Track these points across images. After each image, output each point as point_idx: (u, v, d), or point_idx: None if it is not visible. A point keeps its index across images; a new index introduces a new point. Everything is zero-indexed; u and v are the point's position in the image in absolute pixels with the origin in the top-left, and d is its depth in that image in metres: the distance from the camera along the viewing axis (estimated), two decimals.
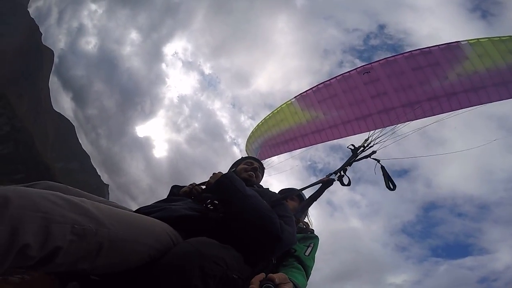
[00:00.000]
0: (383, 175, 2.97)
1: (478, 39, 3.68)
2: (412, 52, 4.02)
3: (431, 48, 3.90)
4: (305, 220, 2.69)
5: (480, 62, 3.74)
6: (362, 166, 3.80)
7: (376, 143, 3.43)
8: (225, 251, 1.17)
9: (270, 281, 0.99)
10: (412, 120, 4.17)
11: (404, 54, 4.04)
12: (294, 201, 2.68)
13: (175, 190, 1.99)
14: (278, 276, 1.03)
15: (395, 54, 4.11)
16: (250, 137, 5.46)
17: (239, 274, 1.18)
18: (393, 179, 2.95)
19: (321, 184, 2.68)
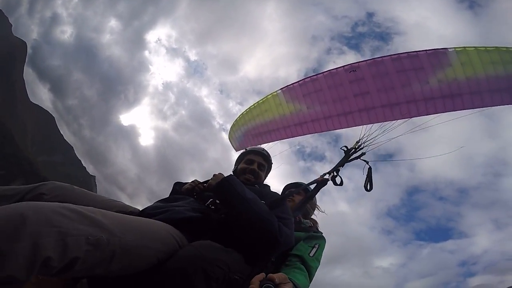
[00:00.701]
0: (367, 175, 3.06)
1: (465, 47, 3.84)
2: (400, 54, 4.15)
3: (418, 52, 4.04)
4: (312, 217, 2.70)
5: (462, 70, 3.88)
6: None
7: (366, 146, 3.54)
8: (227, 254, 1.23)
9: (270, 281, 1.00)
10: (390, 121, 4.26)
11: (392, 56, 4.17)
12: (300, 195, 2.69)
13: (177, 187, 2.00)
14: (278, 276, 1.04)
15: (383, 56, 4.24)
16: (234, 125, 5.45)
17: (240, 275, 1.24)
18: (372, 182, 3.06)
19: (316, 184, 2.70)
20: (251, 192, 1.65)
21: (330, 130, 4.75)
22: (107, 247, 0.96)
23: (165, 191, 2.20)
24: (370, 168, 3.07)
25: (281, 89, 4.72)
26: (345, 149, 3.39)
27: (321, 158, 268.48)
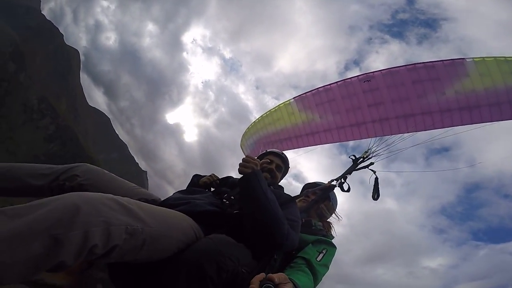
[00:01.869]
0: (374, 185, 3.05)
1: (484, 58, 3.68)
2: (416, 64, 4.08)
3: (434, 63, 3.95)
4: (328, 220, 2.62)
5: (480, 81, 3.70)
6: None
7: (374, 155, 3.52)
8: (238, 249, 1.32)
9: (270, 281, 1.01)
10: (404, 133, 4.17)
11: (408, 66, 4.12)
12: (309, 198, 2.71)
13: (195, 180, 2.09)
14: (278, 276, 1.04)
15: (398, 66, 4.19)
16: (245, 133, 5.54)
17: (247, 269, 1.30)
18: (379, 192, 3.05)
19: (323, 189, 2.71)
20: (271, 192, 1.66)
21: (342, 141, 4.75)
22: (141, 235, 1.04)
23: None
24: (376, 178, 3.08)
25: (294, 98, 4.82)
26: (353, 158, 3.41)
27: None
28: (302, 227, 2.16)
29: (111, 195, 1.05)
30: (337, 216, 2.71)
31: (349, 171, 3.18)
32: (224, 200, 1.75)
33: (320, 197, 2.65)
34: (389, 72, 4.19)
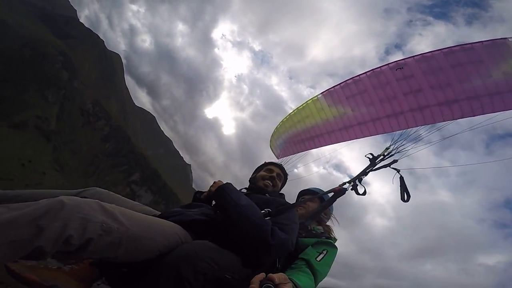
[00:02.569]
0: (400, 185, 2.85)
1: None
2: (452, 48, 3.74)
3: (473, 45, 3.58)
4: (327, 223, 2.65)
5: None
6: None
7: (398, 152, 3.30)
8: (219, 254, 1.39)
9: (270, 281, 1.03)
10: (450, 120, 3.89)
11: (443, 50, 3.78)
12: (314, 203, 2.70)
13: (198, 196, 2.18)
14: (278, 276, 1.06)
15: (432, 50, 3.87)
16: (274, 132, 5.47)
17: (233, 275, 1.37)
18: (408, 191, 2.81)
19: (332, 193, 2.58)
20: (248, 199, 1.79)
21: (379, 133, 4.52)
22: (116, 234, 1.18)
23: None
24: (402, 178, 2.85)
25: (322, 93, 4.69)
26: (370, 156, 3.19)
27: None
28: (302, 231, 2.27)
29: (97, 200, 1.23)
30: (334, 220, 2.71)
31: (364, 172, 2.97)
32: (218, 211, 1.84)
33: (329, 202, 2.58)
34: (423, 58, 3.88)
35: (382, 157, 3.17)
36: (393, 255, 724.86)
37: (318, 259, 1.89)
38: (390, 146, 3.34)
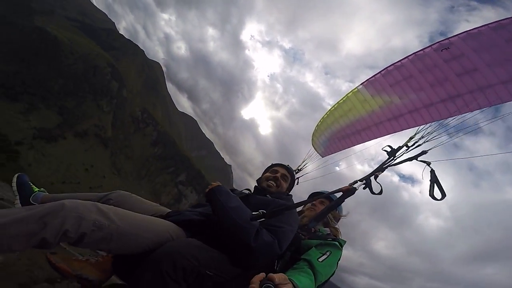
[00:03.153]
0: (430, 180, 2.44)
1: None
2: (501, 21, 3.21)
3: None
4: (335, 226, 2.57)
5: None
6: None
7: (427, 141, 2.87)
8: (202, 251, 1.50)
9: (270, 281, 1.04)
10: None
11: (490, 25, 3.27)
12: (323, 205, 2.61)
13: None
14: (278, 277, 1.08)
15: (477, 26, 3.37)
16: (315, 130, 5.21)
17: (216, 272, 1.50)
18: (442, 188, 2.37)
19: (341, 193, 2.34)
20: (238, 201, 1.84)
21: (436, 120, 4.03)
22: (107, 230, 1.39)
23: None
24: (433, 171, 2.44)
25: (362, 83, 4.37)
26: (389, 149, 2.82)
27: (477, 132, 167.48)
28: (305, 233, 2.27)
29: (94, 202, 1.46)
30: (341, 217, 2.63)
31: (381, 168, 2.59)
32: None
33: (337, 203, 2.32)
34: (469, 35, 3.43)
35: (405, 148, 2.81)
36: (448, 257, 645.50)
37: (320, 259, 1.87)
38: (415, 135, 2.96)
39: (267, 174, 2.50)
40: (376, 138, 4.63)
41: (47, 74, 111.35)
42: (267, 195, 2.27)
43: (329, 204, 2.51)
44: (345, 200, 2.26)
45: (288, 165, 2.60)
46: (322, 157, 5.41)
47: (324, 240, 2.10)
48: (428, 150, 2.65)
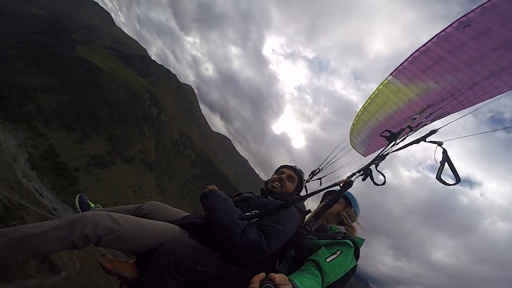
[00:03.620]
0: (441, 162, 2.23)
1: None
2: None
3: None
4: (353, 225, 2.46)
5: None
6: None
7: (437, 118, 2.64)
8: (193, 249, 1.77)
9: (270, 281, 1.07)
10: None
11: None
12: (339, 204, 2.54)
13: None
14: (278, 277, 1.10)
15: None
16: (352, 130, 4.98)
17: (207, 268, 1.75)
18: (456, 171, 2.18)
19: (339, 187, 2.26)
20: (228, 204, 2.03)
21: (485, 100, 3.78)
22: (117, 233, 1.74)
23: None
24: (445, 152, 2.23)
25: (390, 74, 4.22)
26: (388, 134, 2.64)
27: None
28: (316, 232, 2.22)
29: (109, 212, 1.83)
30: (358, 225, 2.49)
31: (382, 156, 2.44)
32: None
33: (334, 199, 2.27)
34: (485, 9, 3.24)
35: (408, 130, 2.62)
36: None
37: (328, 260, 1.81)
38: (416, 116, 2.74)
39: (274, 176, 2.61)
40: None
41: (94, 103, 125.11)
42: (268, 197, 2.37)
43: (346, 203, 2.55)
44: (346, 192, 2.29)
45: (295, 166, 2.67)
46: (364, 156, 5.18)
47: (332, 239, 2.03)
48: (437, 129, 2.46)
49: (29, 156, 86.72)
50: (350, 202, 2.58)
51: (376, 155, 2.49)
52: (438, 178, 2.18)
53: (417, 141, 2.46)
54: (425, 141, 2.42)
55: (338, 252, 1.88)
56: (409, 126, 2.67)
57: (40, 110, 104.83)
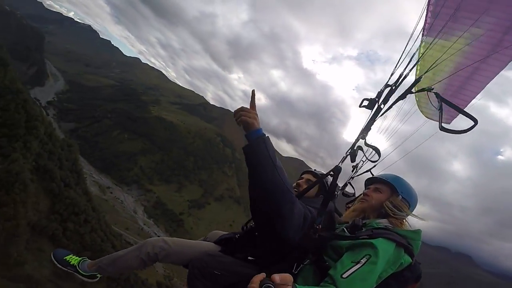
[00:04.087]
0: (439, 109, 1.96)
1: None
2: None
3: None
4: (399, 216, 1.98)
5: None
6: None
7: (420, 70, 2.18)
8: (209, 257, 2.13)
9: (271, 282, 1.00)
10: None
11: None
12: (381, 193, 2.12)
13: None
14: (280, 277, 1.02)
15: None
16: (418, 101, 3.80)
17: (223, 272, 2.04)
18: (467, 112, 1.84)
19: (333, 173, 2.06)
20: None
21: None
22: (167, 251, 2.26)
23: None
24: (437, 95, 1.99)
25: (422, 34, 3.12)
26: (366, 102, 2.13)
27: None
28: (341, 231, 1.91)
29: (163, 237, 2.47)
30: (412, 215, 2.06)
31: (366, 128, 2.06)
32: (244, 227, 2.53)
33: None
34: None
35: (389, 88, 2.07)
36: None
37: (346, 275, 1.48)
38: (396, 67, 2.17)
39: (297, 180, 2.67)
40: (496, 72, 3.21)
41: (180, 156, 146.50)
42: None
43: (392, 191, 2.11)
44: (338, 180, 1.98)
45: (314, 170, 2.67)
46: (449, 123, 3.79)
47: (354, 240, 1.68)
48: (422, 76, 2.17)
49: (144, 208, 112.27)
50: (395, 189, 2.09)
51: (359, 133, 2.10)
52: (441, 126, 1.88)
53: (402, 96, 2.07)
54: (411, 92, 2.05)
55: (364, 260, 1.52)
56: (387, 85, 2.14)
57: (143, 170, 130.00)
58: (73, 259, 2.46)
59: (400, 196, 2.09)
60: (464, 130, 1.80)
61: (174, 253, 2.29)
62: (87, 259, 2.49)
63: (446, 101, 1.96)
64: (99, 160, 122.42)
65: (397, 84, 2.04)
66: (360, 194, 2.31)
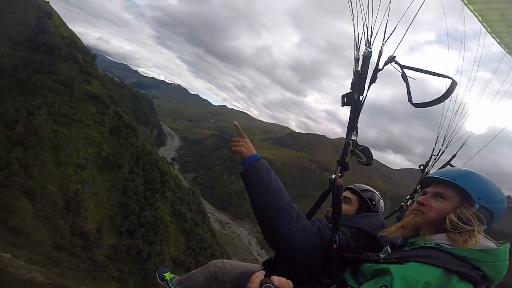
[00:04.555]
0: (404, 79, 1.68)
1: None
2: None
3: None
4: (465, 229, 1.33)
5: None
6: None
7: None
8: (244, 275, 2.55)
9: (271, 282, 0.98)
10: None
11: None
12: (446, 202, 1.44)
13: None
14: (280, 280, 1.00)
15: None
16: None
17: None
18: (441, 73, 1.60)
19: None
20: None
21: None
22: (223, 270, 2.74)
23: None
24: (399, 64, 1.67)
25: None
26: (344, 99, 1.72)
27: None
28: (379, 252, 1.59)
29: (224, 259, 3.01)
30: (481, 229, 1.36)
31: (351, 128, 1.68)
32: None
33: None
34: None
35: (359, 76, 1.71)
36: None
37: None
38: (363, 32, 1.75)
39: None
40: None
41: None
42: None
43: (462, 199, 1.43)
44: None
45: (353, 186, 2.42)
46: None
47: (376, 265, 1.35)
48: (394, 54, 1.73)
49: (257, 240, 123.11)
50: (468, 195, 1.40)
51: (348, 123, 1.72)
52: (411, 101, 1.66)
53: (373, 79, 1.69)
54: (379, 70, 1.69)
55: None
56: (356, 71, 1.71)
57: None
58: (168, 275, 3.18)
59: (477, 205, 1.38)
60: (442, 96, 1.55)
61: (227, 272, 2.78)
62: (177, 276, 3.20)
63: (411, 68, 1.64)
64: (217, 201, 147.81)
65: (366, 55, 1.69)
66: (410, 202, 1.81)
